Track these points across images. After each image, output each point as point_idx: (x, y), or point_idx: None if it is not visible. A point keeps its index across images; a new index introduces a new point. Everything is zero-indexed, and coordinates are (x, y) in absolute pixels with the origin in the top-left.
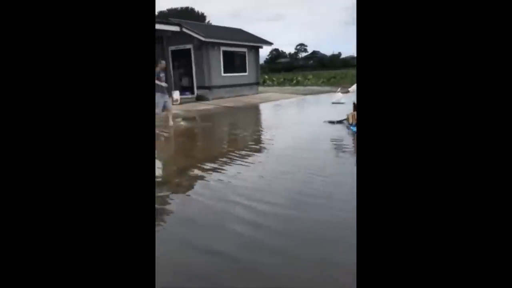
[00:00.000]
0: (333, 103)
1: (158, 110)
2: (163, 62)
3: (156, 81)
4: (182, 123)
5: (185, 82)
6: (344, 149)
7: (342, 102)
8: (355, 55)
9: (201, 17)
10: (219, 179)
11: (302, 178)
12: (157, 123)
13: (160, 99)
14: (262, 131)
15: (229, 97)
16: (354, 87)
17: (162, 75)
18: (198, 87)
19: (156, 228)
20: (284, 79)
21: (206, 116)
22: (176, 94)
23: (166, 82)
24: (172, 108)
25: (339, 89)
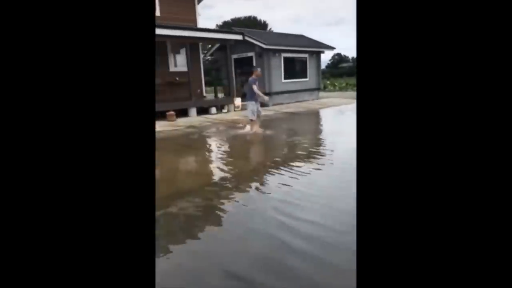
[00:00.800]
0: None
1: (254, 117)
2: (259, 69)
3: (258, 91)
4: (240, 131)
5: (246, 89)
6: None
7: None
8: None
9: (263, 25)
10: (263, 192)
11: None
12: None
13: (255, 106)
14: (320, 139)
15: (289, 102)
16: None
17: (257, 83)
18: None
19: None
20: (346, 84)
21: (266, 122)
22: (238, 101)
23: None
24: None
25: None
